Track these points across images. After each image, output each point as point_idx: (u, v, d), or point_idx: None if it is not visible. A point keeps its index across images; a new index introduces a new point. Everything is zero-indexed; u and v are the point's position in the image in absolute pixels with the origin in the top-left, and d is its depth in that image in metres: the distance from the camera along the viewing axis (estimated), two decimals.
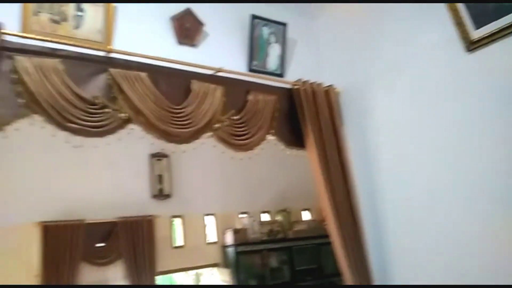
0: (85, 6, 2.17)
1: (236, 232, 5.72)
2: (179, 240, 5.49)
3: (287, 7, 3.08)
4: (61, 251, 4.41)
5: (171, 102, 2.36)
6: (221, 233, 5.80)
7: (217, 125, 2.53)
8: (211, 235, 5.76)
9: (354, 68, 3.09)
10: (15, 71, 1.93)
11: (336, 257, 2.83)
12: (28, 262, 4.29)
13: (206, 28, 2.66)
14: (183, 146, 2.53)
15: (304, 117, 2.82)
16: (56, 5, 2.09)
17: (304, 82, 2.89)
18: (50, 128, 1.99)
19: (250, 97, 2.72)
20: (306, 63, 3.14)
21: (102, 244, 4.80)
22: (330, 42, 3.27)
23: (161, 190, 5.35)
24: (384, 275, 2.79)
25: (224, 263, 5.70)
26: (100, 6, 2.21)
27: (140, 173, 5.18)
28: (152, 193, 5.28)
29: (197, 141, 2.48)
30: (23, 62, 1.94)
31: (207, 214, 5.81)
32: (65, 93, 2.01)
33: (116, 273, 4.79)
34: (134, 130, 2.30)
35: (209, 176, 5.58)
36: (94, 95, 2.13)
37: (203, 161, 5.24)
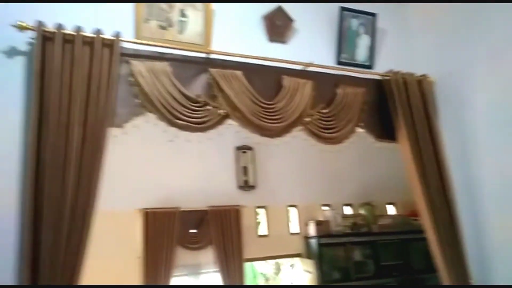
0: (187, 11, 2.37)
1: (319, 224, 5.74)
2: (263, 230, 5.69)
3: None
4: (159, 235, 4.85)
5: (263, 98, 2.48)
6: (303, 224, 5.87)
7: (307, 119, 2.59)
8: (294, 226, 5.86)
9: (450, 55, 2.93)
10: (131, 74, 2.18)
11: (431, 254, 2.75)
12: (132, 245, 4.79)
13: (296, 24, 2.73)
14: (272, 139, 2.64)
15: (395, 109, 2.76)
16: (163, 12, 2.32)
17: (395, 73, 2.82)
18: (161, 125, 2.22)
19: (339, 90, 2.73)
20: (396, 52, 3.06)
21: (195, 231, 5.17)
22: (422, 29, 3.13)
23: (246, 182, 5.58)
24: (482, 272, 2.64)
25: (307, 254, 5.78)
26: (200, 11, 2.39)
27: (227, 165, 5.45)
28: (238, 184, 5.54)
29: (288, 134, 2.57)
30: (138, 66, 2.20)
31: (290, 206, 5.92)
32: (173, 93, 2.23)
33: (207, 258, 5.14)
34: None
35: (292, 168, 5.68)
36: (197, 94, 2.32)
37: (286, 153, 5.36)
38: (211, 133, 2.44)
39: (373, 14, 2.88)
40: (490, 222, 2.67)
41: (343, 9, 2.80)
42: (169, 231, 4.88)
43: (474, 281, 2.62)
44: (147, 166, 4.75)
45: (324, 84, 2.69)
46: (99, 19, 2.18)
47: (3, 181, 1.89)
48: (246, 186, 5.57)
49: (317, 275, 5.47)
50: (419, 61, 3.05)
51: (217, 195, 5.31)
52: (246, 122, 2.41)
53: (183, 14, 2.37)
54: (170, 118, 2.22)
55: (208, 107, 2.33)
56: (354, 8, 2.83)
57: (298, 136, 2.67)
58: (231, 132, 2.57)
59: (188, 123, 2.26)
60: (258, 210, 5.72)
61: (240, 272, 5.10)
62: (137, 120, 2.20)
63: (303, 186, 5.84)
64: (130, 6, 2.29)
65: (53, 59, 1.93)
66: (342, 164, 5.80)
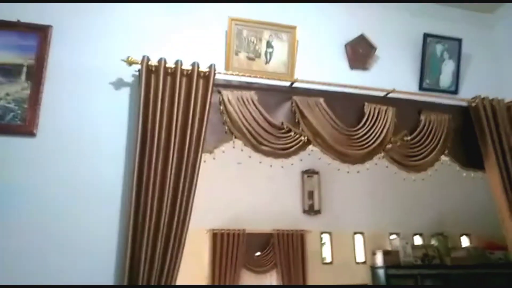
0: (274, 43, 2.48)
1: (387, 253, 5.53)
2: (327, 257, 5.57)
3: (460, 21, 2.95)
4: (226, 256, 4.94)
5: (345, 124, 2.50)
6: (369, 253, 5.68)
7: (389, 146, 2.55)
8: (360, 254, 5.68)
9: None
10: (221, 103, 2.31)
11: None
12: (200, 264, 4.91)
13: (377, 51, 2.73)
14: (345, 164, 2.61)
15: (484, 136, 2.64)
16: (251, 44, 2.45)
17: (483, 99, 2.71)
18: (247, 150, 2.31)
19: (422, 116, 2.67)
20: (483, 78, 2.94)
21: (259, 253, 5.19)
22: (511, 53, 2.98)
23: (311, 206, 5.55)
24: None
25: (374, 285, 5.55)
26: (285, 42, 2.49)
27: (293, 189, 5.47)
28: (303, 208, 5.52)
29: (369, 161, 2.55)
30: (228, 95, 2.32)
31: (356, 233, 5.76)
32: (259, 120, 2.32)
33: (271, 282, 5.12)
34: None
35: (358, 193, 5.55)
36: (280, 121, 2.40)
37: (353, 179, 5.24)
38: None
39: (459, 39, 2.81)
40: None
41: (427, 35, 2.77)
42: (233, 252, 4.96)
43: None
44: (217, 187, 4.90)
45: (406, 110, 2.65)
46: (194, 52, 2.36)
47: (108, 200, 2.07)
48: (311, 210, 5.53)
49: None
50: (507, 86, 2.90)
51: (282, 219, 5.32)
52: (327, 148, 2.43)
53: (269, 45, 2.48)
54: (256, 144, 2.30)
55: (291, 134, 2.39)
56: (438, 34, 2.78)
57: (378, 163, 2.64)
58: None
59: (272, 149, 2.33)
60: (323, 235, 5.63)
61: None
62: (224, 146, 2.31)
63: (370, 212, 5.67)
64: (222, 39, 2.45)
65: (156, 90, 2.11)
66: (412, 192, 5.56)
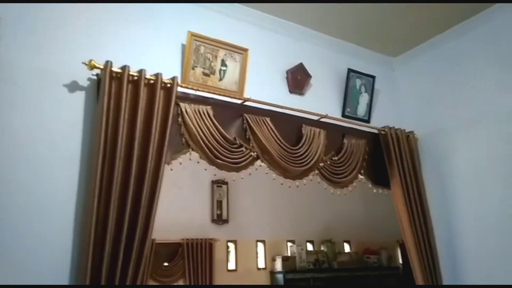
0: (228, 61, 2.61)
1: (285, 259, 5.97)
2: (232, 264, 5.77)
3: (373, 61, 3.51)
4: None
5: (287, 143, 2.75)
6: (270, 259, 6.06)
7: (321, 164, 2.89)
8: (261, 261, 6.02)
9: (432, 117, 3.43)
10: (179, 115, 2.34)
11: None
12: None
13: (312, 79, 3.08)
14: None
15: (390, 159, 3.18)
16: (207, 61, 2.53)
17: (390, 128, 3.26)
18: (202, 163, 2.38)
19: (345, 140, 3.10)
20: (387, 110, 3.52)
21: (167, 264, 5.11)
22: (409, 92, 3.64)
23: (219, 215, 5.70)
24: None
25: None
26: (238, 62, 2.64)
27: (202, 198, 5.56)
28: (211, 217, 5.64)
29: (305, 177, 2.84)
30: (185, 107, 2.37)
31: (259, 241, 6.10)
32: (215, 134, 2.42)
33: None
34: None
35: (260, 204, 5.93)
36: (233, 136, 2.53)
37: (256, 190, 5.63)
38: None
39: (373, 76, 3.34)
40: (465, 260, 3.11)
41: (350, 70, 3.22)
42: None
43: None
44: None
45: (333, 134, 3.04)
46: (150, 63, 2.34)
47: (62, 206, 1.93)
48: (219, 219, 5.68)
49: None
50: (405, 118, 3.53)
51: (191, 228, 5.35)
52: (273, 164, 2.65)
53: (224, 64, 2.60)
54: (211, 157, 2.39)
55: (242, 149, 2.54)
56: (358, 70, 3.27)
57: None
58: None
59: (226, 163, 2.45)
60: (229, 244, 5.81)
61: None
62: (181, 158, 2.34)
63: (270, 222, 6.09)
64: (179, 54, 2.49)
65: (118, 98, 2.05)
66: (306, 202, 6.17)
